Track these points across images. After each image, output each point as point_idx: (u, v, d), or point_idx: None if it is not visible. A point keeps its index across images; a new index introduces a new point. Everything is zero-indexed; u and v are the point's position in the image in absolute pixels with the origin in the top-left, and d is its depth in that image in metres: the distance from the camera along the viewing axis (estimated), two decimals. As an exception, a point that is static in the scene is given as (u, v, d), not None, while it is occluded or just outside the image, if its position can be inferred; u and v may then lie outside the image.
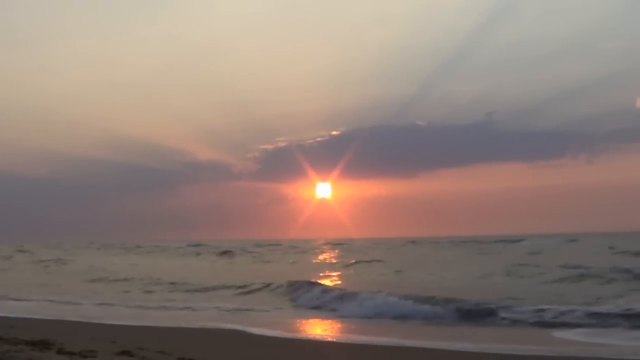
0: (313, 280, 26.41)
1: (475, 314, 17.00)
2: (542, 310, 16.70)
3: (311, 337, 14.84)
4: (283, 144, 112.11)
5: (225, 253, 61.93)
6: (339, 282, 29.55)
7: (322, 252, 67.00)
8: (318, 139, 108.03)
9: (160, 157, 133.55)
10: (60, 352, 9.71)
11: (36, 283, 31.88)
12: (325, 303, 20.83)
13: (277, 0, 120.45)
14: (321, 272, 35.58)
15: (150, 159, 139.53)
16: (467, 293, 20.31)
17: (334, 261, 48.58)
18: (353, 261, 43.38)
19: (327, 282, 28.11)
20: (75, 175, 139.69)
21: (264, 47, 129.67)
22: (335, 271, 36.81)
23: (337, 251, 67.24)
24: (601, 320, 15.48)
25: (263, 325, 15.81)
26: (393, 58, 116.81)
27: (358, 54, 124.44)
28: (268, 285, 25.89)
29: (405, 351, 12.43)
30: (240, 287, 26.46)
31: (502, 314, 16.68)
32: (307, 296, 22.37)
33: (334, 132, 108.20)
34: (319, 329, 16.61)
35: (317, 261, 49.83)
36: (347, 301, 20.06)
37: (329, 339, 14.64)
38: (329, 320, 17.45)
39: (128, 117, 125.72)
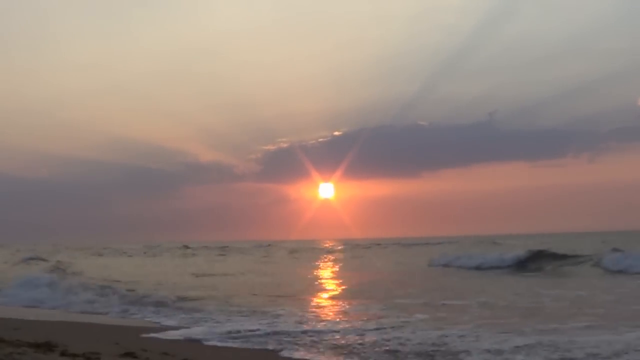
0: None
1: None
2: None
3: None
4: (285, 145, 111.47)
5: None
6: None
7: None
8: (320, 140, 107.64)
9: (162, 159, 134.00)
10: (63, 354, 9.42)
11: None
12: None
13: (278, 1, 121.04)
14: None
15: (152, 160, 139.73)
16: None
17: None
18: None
19: None
20: (76, 178, 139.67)
21: (266, 48, 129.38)
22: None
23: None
24: None
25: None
26: (394, 58, 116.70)
27: (359, 55, 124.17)
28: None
29: None
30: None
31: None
32: None
33: (336, 133, 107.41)
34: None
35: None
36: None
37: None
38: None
39: (129, 119, 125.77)
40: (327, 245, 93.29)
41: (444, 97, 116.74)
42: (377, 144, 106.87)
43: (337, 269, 38.05)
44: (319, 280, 29.01)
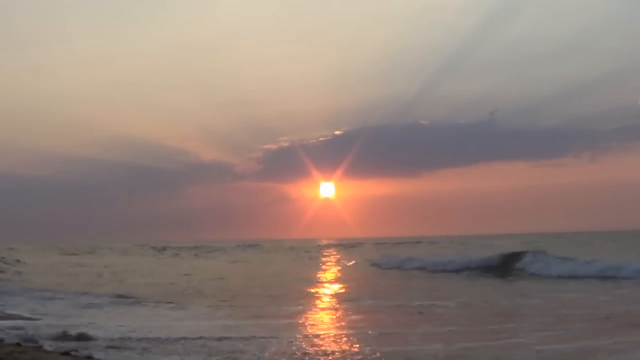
0: None
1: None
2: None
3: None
4: (286, 144, 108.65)
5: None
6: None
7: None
8: (321, 139, 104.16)
9: (163, 158, 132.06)
10: (65, 353, 9.85)
11: None
12: None
13: (279, 0, 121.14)
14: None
15: (152, 159, 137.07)
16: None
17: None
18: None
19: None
20: (77, 176, 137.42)
21: (267, 47, 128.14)
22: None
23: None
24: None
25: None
26: (395, 57, 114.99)
27: (360, 54, 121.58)
28: None
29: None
30: None
31: None
32: None
33: (337, 132, 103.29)
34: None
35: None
36: None
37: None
38: None
39: (130, 118, 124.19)
40: (315, 244, 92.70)
41: (445, 96, 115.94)
42: (378, 143, 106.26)
43: (289, 269, 38.35)
44: (256, 281, 28.68)
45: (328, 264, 44.12)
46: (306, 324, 14.44)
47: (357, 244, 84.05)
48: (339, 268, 38.63)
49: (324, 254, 61.35)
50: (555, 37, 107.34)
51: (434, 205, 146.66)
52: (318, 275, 32.28)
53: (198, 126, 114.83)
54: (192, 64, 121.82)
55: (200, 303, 18.41)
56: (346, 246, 79.44)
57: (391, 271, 34.50)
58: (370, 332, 12.75)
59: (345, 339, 11.94)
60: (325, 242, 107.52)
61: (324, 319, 15.15)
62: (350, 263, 43.67)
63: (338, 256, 55.35)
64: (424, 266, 34.12)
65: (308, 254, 60.78)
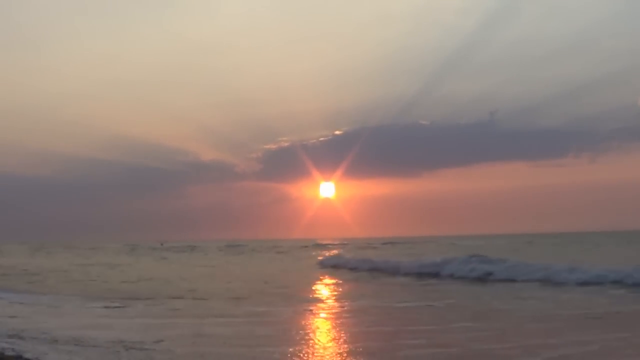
0: None
1: None
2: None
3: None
4: (286, 144, 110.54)
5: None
6: None
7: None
8: (321, 139, 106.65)
9: (163, 157, 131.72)
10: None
11: None
12: None
13: (279, 0, 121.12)
14: None
15: (153, 159, 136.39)
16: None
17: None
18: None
19: None
20: (77, 176, 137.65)
21: (267, 46, 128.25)
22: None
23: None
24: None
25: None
26: (395, 57, 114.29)
27: (360, 54, 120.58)
28: None
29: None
30: None
31: None
32: None
33: (337, 132, 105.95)
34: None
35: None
36: None
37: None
38: None
39: (130, 117, 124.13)
40: (303, 244, 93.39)
41: (445, 96, 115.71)
42: (378, 143, 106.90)
43: (245, 269, 38.32)
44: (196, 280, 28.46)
45: (283, 263, 45.41)
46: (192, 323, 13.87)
47: (348, 244, 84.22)
48: (286, 267, 39.47)
49: (301, 253, 61.48)
50: (555, 37, 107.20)
51: (434, 206, 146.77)
52: (260, 275, 32.40)
53: (198, 126, 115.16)
54: (191, 63, 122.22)
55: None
56: (335, 246, 79.75)
57: (329, 270, 35.29)
58: (269, 332, 12.37)
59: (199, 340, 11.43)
60: (319, 241, 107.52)
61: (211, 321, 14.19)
62: (302, 263, 44.89)
63: (311, 255, 55.93)
64: (373, 267, 33.97)
65: (281, 254, 60.95)
